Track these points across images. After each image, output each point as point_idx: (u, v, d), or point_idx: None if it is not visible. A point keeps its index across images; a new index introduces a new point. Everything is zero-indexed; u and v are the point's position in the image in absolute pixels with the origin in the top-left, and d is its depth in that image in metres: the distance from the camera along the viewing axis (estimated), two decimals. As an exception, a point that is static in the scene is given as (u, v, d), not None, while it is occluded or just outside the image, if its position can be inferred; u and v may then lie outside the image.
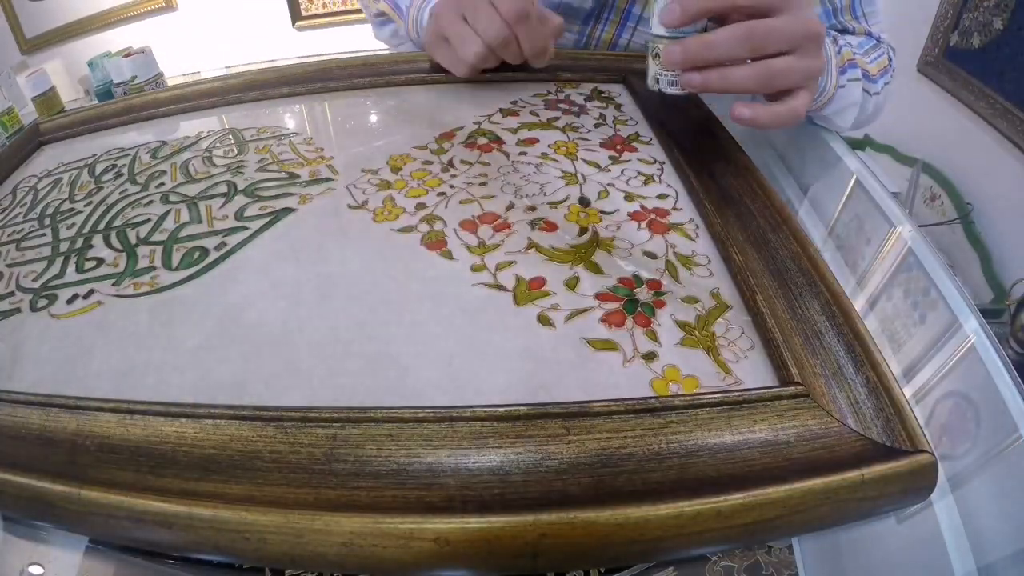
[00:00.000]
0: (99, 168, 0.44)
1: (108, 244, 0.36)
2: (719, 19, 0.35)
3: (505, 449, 0.22)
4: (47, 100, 0.52)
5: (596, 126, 0.42)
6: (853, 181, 0.42)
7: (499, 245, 0.31)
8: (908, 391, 0.30)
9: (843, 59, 0.45)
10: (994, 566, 0.22)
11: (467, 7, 0.43)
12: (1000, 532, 0.23)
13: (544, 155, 0.39)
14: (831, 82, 0.44)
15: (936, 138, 1.40)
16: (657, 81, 0.36)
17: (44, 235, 0.38)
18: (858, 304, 0.28)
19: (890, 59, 0.52)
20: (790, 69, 0.33)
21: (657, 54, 0.35)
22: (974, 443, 0.25)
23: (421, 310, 0.28)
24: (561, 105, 0.45)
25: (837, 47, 0.45)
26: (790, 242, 0.31)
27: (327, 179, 0.39)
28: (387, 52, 0.63)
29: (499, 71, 0.48)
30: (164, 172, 0.42)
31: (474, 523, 0.19)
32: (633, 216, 0.33)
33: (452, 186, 0.36)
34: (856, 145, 1.42)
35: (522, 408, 0.23)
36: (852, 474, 0.21)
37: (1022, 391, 0.26)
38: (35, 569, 0.24)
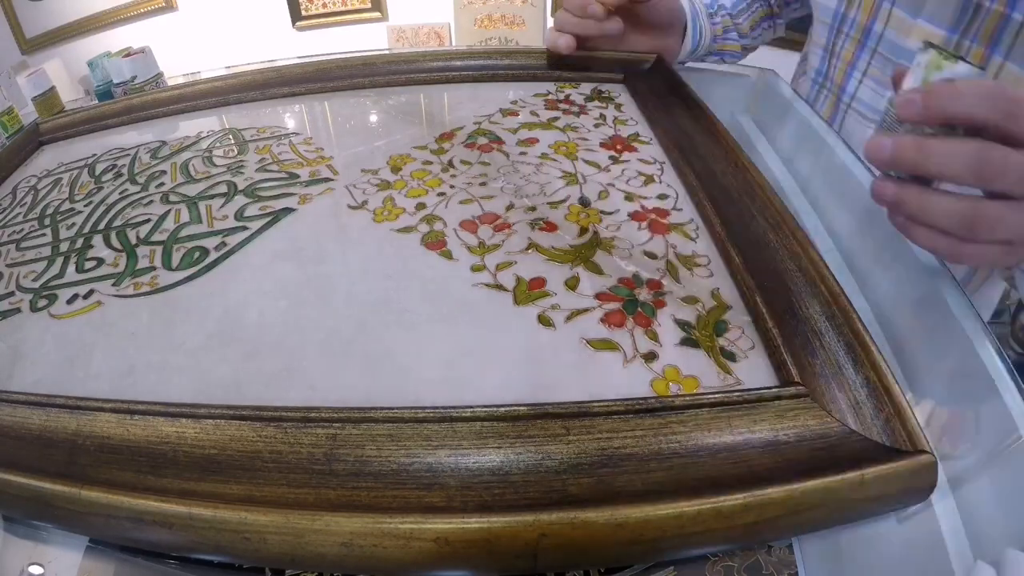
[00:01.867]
0: (99, 168, 0.44)
1: (108, 244, 0.36)
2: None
3: (505, 449, 0.22)
4: (47, 100, 0.52)
5: (596, 126, 0.42)
6: (855, 182, 0.42)
7: (499, 245, 0.31)
8: (908, 391, 0.30)
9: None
10: (994, 566, 0.22)
11: None
12: (1000, 532, 0.23)
13: (544, 155, 0.39)
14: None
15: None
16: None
17: (44, 235, 0.38)
18: (858, 303, 0.28)
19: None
20: (1001, 220, 0.25)
21: (886, 124, 0.28)
22: (974, 443, 0.25)
23: (421, 310, 0.28)
24: (561, 105, 0.45)
25: None
26: (790, 242, 0.31)
27: (327, 179, 0.38)
28: (387, 52, 0.63)
29: (500, 71, 0.48)
30: (164, 172, 0.42)
31: (474, 523, 0.19)
32: (633, 216, 0.33)
33: (452, 186, 0.36)
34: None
35: (522, 408, 0.23)
36: (852, 474, 0.21)
37: (1022, 391, 0.26)
38: (35, 569, 0.24)
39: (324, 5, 1.61)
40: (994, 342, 0.28)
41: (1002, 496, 0.23)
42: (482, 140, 0.41)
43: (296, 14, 1.61)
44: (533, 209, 0.34)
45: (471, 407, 0.23)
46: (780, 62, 0.57)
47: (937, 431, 0.26)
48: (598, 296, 0.28)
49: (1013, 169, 0.25)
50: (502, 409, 0.23)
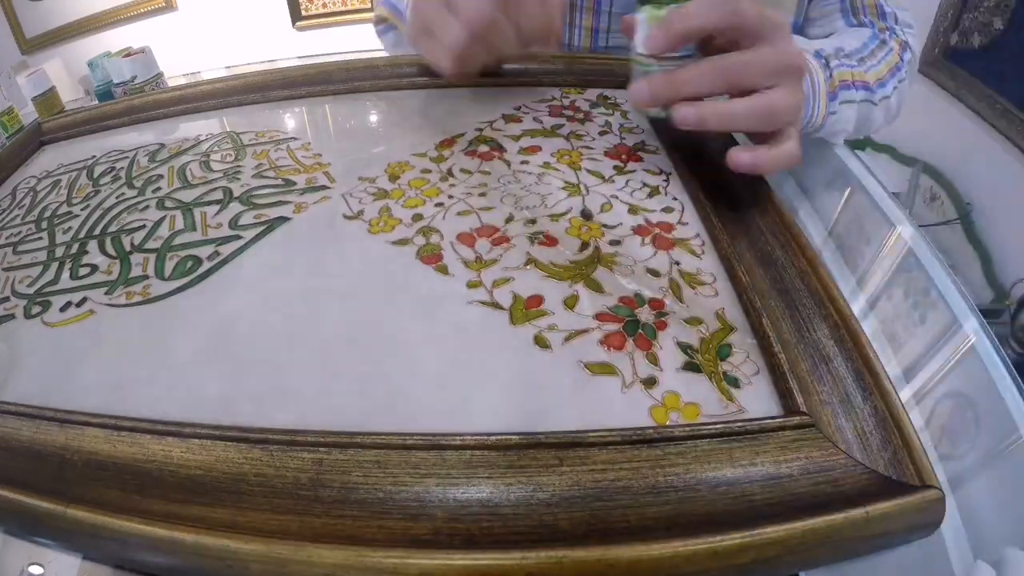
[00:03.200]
0: (97, 171, 0.44)
1: (103, 250, 0.35)
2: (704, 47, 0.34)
3: (495, 480, 0.21)
4: (47, 100, 0.52)
5: (601, 134, 0.41)
6: (854, 182, 0.41)
7: (497, 260, 0.31)
8: (908, 391, 0.30)
9: (833, 84, 0.44)
10: (994, 566, 0.21)
11: None
12: (1000, 532, 0.22)
13: (547, 164, 0.38)
14: (819, 112, 0.42)
15: (936, 138, 1.39)
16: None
17: (41, 239, 0.38)
18: (858, 305, 0.27)
19: (903, 50, 0.50)
20: (784, 103, 0.32)
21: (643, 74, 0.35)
22: (974, 443, 0.25)
23: (414, 328, 0.28)
24: (566, 112, 0.44)
25: (828, 72, 0.44)
26: (799, 260, 0.30)
27: (323, 187, 0.38)
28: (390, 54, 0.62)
29: (503, 74, 0.47)
30: (161, 176, 0.41)
31: (459, 560, 0.19)
32: (637, 231, 0.32)
33: (451, 196, 0.35)
34: (856, 145, 1.41)
35: (514, 437, 0.22)
36: (857, 512, 0.20)
37: (1022, 391, 0.25)
38: (35, 569, 0.24)
39: (324, 5, 1.60)
40: (994, 342, 0.27)
41: (1002, 496, 0.23)
42: (483, 148, 0.40)
43: (296, 14, 1.60)
44: (533, 222, 0.33)
45: (461, 435, 0.22)
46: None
47: (937, 431, 0.25)
48: (598, 316, 0.27)
49: (754, 64, 0.31)
50: (493, 438, 0.22)
